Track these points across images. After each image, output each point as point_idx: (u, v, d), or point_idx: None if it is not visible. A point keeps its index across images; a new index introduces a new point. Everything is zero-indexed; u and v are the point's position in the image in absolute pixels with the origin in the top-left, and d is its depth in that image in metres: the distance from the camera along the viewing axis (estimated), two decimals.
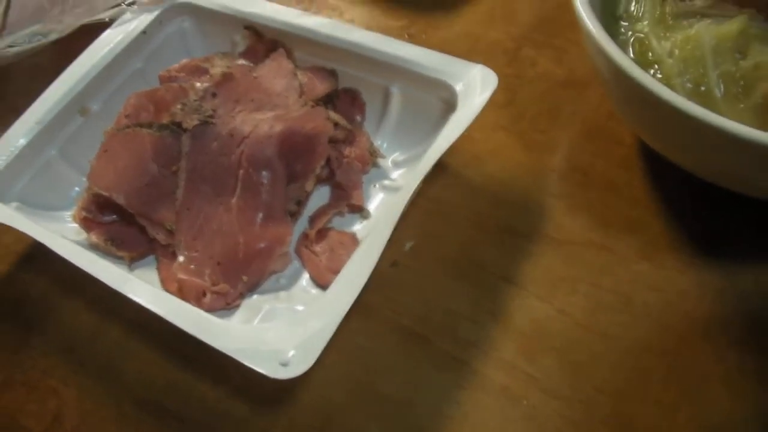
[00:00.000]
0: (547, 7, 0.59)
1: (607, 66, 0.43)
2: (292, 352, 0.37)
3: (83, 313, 0.48)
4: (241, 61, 0.54)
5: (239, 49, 0.55)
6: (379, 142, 0.52)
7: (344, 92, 0.52)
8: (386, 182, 0.50)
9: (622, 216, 0.48)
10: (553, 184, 0.50)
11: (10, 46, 0.57)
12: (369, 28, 0.58)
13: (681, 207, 0.48)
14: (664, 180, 0.49)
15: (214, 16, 0.55)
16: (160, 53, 0.56)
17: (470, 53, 0.56)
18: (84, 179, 0.52)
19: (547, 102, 0.53)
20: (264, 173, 0.47)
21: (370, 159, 0.50)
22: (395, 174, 0.50)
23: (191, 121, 0.48)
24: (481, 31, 0.58)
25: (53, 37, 0.57)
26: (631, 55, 0.46)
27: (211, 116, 0.48)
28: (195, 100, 0.49)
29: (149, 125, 0.49)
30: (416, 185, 0.43)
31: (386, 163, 0.51)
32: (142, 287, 0.42)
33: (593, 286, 0.45)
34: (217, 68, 0.54)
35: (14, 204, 0.49)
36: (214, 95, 0.49)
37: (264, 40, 0.54)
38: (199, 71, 0.54)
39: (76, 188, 0.52)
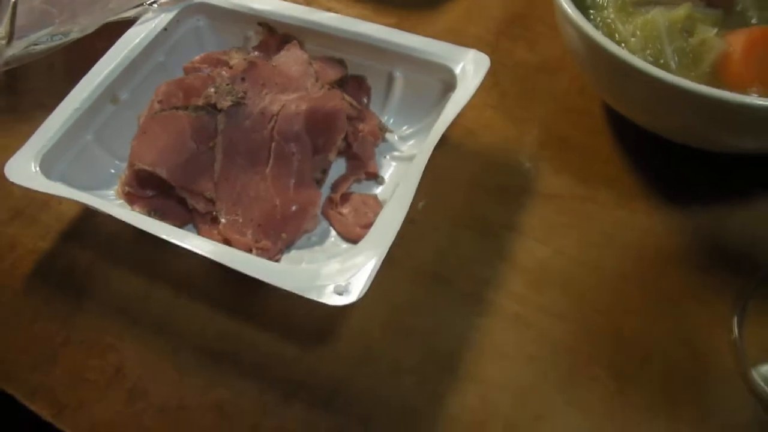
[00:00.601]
0: (516, 4, 0.68)
1: (585, 43, 0.51)
2: (344, 284, 0.44)
3: (131, 277, 0.53)
4: (255, 54, 0.61)
5: (252, 44, 0.62)
6: (386, 119, 0.59)
7: (352, 78, 0.59)
8: (396, 153, 0.57)
9: (599, 173, 0.57)
10: (538, 150, 0.58)
11: (35, 44, 0.62)
12: None
13: (646, 162, 0.57)
14: (630, 140, 0.58)
15: (228, 14, 0.62)
16: (178, 48, 0.62)
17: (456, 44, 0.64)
18: (117, 161, 0.57)
19: (525, 84, 0.62)
20: (293, 145, 0.54)
21: (380, 133, 0.57)
22: (403, 146, 0.58)
23: (225, 102, 0.54)
24: (463, 27, 0.66)
25: (75, 35, 0.62)
26: None
27: (243, 97, 0.54)
28: (227, 84, 0.55)
29: (185, 107, 0.55)
30: (429, 152, 0.50)
31: (393, 137, 0.58)
32: (202, 241, 0.48)
33: (581, 229, 0.54)
34: (235, 59, 0.60)
35: (58, 183, 0.53)
36: (243, 80, 0.55)
37: (276, 35, 0.61)
38: (219, 63, 0.60)
39: (111, 170, 0.57)
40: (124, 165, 0.56)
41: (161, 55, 0.61)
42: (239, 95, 0.54)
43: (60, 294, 0.53)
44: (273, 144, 0.53)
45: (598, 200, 0.55)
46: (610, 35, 0.55)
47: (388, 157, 0.58)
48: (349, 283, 0.44)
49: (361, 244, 0.46)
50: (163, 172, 0.53)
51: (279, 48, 0.60)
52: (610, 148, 0.58)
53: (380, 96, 0.59)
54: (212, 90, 0.55)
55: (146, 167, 0.53)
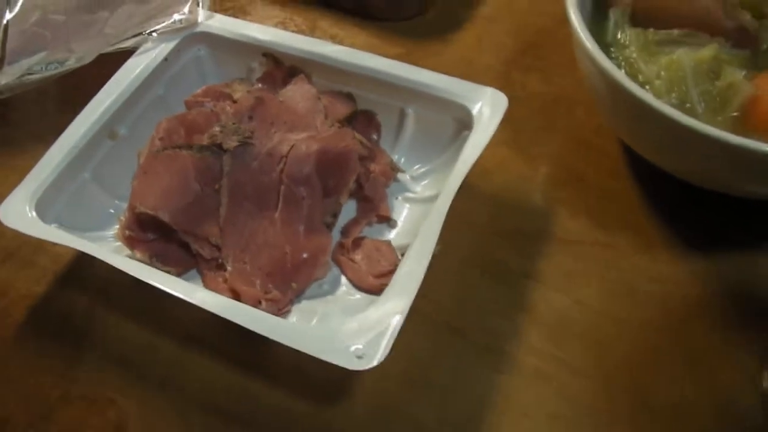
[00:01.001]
0: (528, 33, 0.66)
1: (606, 83, 0.50)
2: (364, 347, 0.42)
3: (133, 326, 0.51)
4: (259, 86, 0.58)
5: (256, 75, 0.59)
6: (397, 157, 0.57)
7: (361, 113, 0.57)
8: (408, 194, 0.55)
9: (618, 216, 0.55)
10: (554, 191, 0.56)
11: (29, 74, 0.59)
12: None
13: (667, 205, 0.55)
14: (650, 182, 0.56)
15: (230, 44, 0.59)
16: (178, 80, 0.59)
17: (467, 77, 0.62)
18: (116, 201, 0.55)
19: (539, 119, 0.60)
20: (303, 189, 0.51)
21: (392, 173, 0.55)
22: (416, 186, 0.56)
23: (231, 142, 0.51)
24: (473, 57, 0.64)
25: (72, 65, 0.59)
26: None
27: (250, 137, 0.52)
28: (233, 123, 0.52)
29: (189, 147, 0.52)
30: (449, 201, 0.48)
31: (405, 177, 0.56)
32: (208, 295, 0.45)
33: (601, 278, 0.52)
34: (238, 93, 0.57)
35: (53, 226, 0.51)
36: (250, 118, 0.53)
37: (282, 67, 0.58)
38: (222, 96, 0.57)
39: (110, 210, 0.54)
40: (124, 205, 0.54)
41: (161, 87, 0.58)
42: (246, 135, 0.52)
43: (57, 344, 0.50)
44: (282, 187, 0.51)
45: (618, 246, 0.53)
46: (633, 75, 0.53)
47: (399, 198, 0.55)
48: (369, 345, 0.42)
49: (381, 300, 0.44)
50: (165, 216, 0.50)
51: (285, 80, 0.58)
52: (629, 189, 0.56)
53: (391, 133, 0.57)
54: (218, 129, 0.52)
55: (148, 210, 0.50)
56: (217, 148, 0.52)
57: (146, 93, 0.57)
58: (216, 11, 0.67)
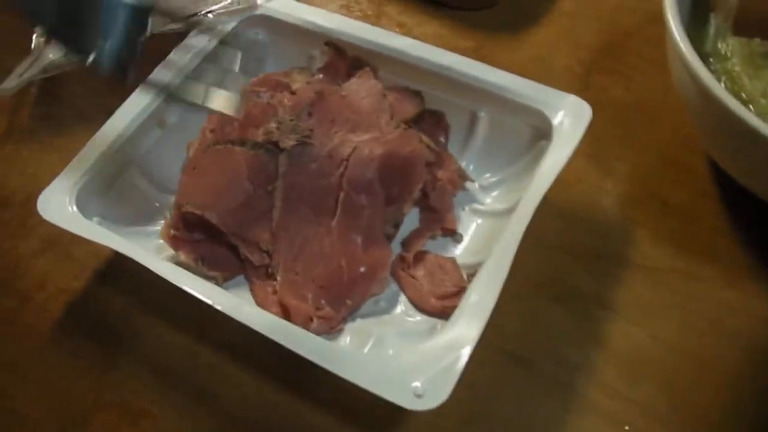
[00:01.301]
0: (612, 32, 0.60)
1: (703, 97, 0.44)
2: (425, 384, 0.38)
3: (172, 331, 0.48)
4: (320, 77, 0.54)
5: (317, 64, 0.55)
6: (465, 164, 0.52)
7: (429, 113, 0.53)
8: (476, 206, 0.51)
9: (704, 243, 0.50)
10: (634, 211, 0.51)
11: None
12: (439, 45, 0.59)
13: (760, 234, 0.50)
14: (741, 207, 0.51)
15: (291, 29, 0.55)
16: (235, 65, 0.55)
17: (542, 77, 0.56)
18: (163, 194, 0.51)
19: (621, 128, 0.55)
20: (364, 197, 0.47)
21: (460, 182, 0.51)
22: (485, 197, 0.51)
23: (289, 141, 0.47)
24: (550, 55, 0.59)
25: None
26: None
27: (309, 136, 0.48)
28: (291, 120, 0.48)
29: (242, 143, 0.48)
30: (527, 221, 0.43)
31: (473, 185, 0.52)
32: (255, 312, 0.42)
33: (682, 311, 0.47)
34: (297, 83, 0.53)
35: (95, 219, 0.47)
36: (309, 114, 0.49)
37: (345, 57, 0.54)
38: (280, 86, 0.53)
39: (156, 203, 0.51)
40: (171, 199, 0.50)
41: (217, 70, 0.54)
42: (305, 133, 0.48)
43: (92, 345, 0.48)
44: (341, 193, 0.47)
45: (702, 277, 0.49)
46: (734, 92, 0.48)
47: (467, 209, 0.51)
48: (431, 382, 0.38)
49: (446, 329, 0.40)
50: (213, 217, 0.46)
51: (348, 72, 0.54)
52: (717, 213, 0.51)
53: (460, 137, 0.53)
54: (274, 125, 0.48)
55: (195, 210, 0.46)
56: (273, 146, 0.48)
57: (199, 78, 0.53)
58: None
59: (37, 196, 0.46)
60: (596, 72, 0.58)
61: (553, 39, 0.60)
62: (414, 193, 0.48)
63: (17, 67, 0.58)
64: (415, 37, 0.58)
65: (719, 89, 0.44)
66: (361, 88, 0.51)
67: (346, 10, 0.63)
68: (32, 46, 0.61)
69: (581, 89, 0.57)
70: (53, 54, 0.58)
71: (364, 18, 0.62)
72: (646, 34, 0.60)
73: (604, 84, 0.57)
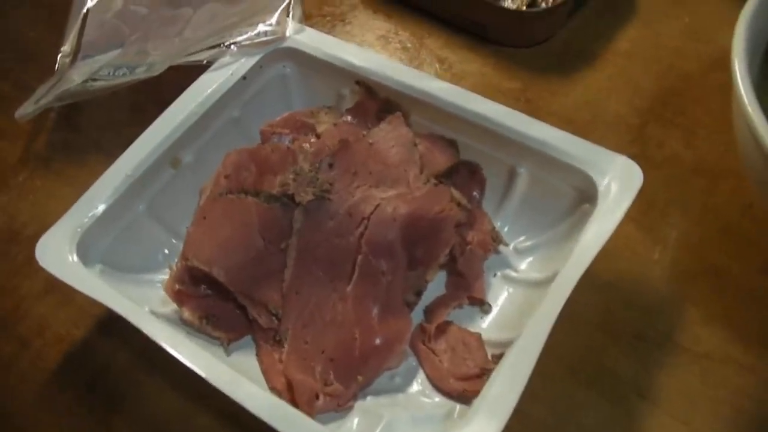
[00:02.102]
0: (671, 77, 0.55)
1: None
2: None
3: (171, 393, 0.44)
4: (348, 118, 0.50)
5: (347, 104, 0.51)
6: (500, 224, 0.48)
7: (463, 165, 0.48)
8: (509, 272, 0.46)
9: (764, 330, 0.44)
10: (686, 285, 0.46)
11: (93, 80, 0.52)
12: (481, 87, 0.55)
13: None
14: None
15: (320, 65, 0.51)
16: (257, 100, 0.51)
17: (592, 126, 0.52)
18: (173, 239, 0.48)
19: (677, 191, 0.50)
20: (384, 261, 0.43)
21: (492, 245, 0.46)
22: (519, 263, 0.46)
23: (306, 195, 0.44)
24: (602, 101, 0.54)
25: (142, 74, 0.52)
26: None
27: (328, 190, 0.44)
28: (310, 171, 0.44)
29: (256, 193, 0.45)
30: (567, 295, 0.39)
31: (507, 249, 0.47)
32: (252, 392, 0.38)
33: (733, 408, 0.42)
34: (323, 125, 0.49)
35: (98, 267, 0.44)
36: (330, 166, 0.45)
37: (376, 98, 0.50)
38: (304, 127, 0.50)
39: (165, 250, 0.48)
40: (181, 244, 0.47)
41: (236, 108, 0.51)
42: (324, 187, 0.44)
43: (89, 401, 0.45)
44: (359, 256, 0.43)
45: (759, 371, 0.43)
46: None
47: (498, 275, 0.46)
48: None
49: (464, 421, 0.36)
50: (221, 274, 0.43)
51: (378, 115, 0.49)
52: None
53: (496, 193, 0.48)
54: (291, 176, 0.44)
55: (202, 266, 0.43)
56: (289, 200, 0.44)
57: (219, 115, 0.50)
58: (312, 16, 0.60)
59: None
60: (652, 123, 0.52)
61: (606, 82, 0.55)
62: (440, 258, 0.44)
63: (38, 90, 0.56)
64: (456, 75, 0.54)
65: None
66: (390, 136, 0.47)
67: (385, 41, 0.59)
68: (56, 67, 0.59)
69: (634, 142, 0.51)
70: (77, 76, 0.55)
71: (403, 50, 0.58)
72: (708, 81, 0.54)
73: (660, 137, 0.52)
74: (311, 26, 0.56)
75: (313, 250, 0.44)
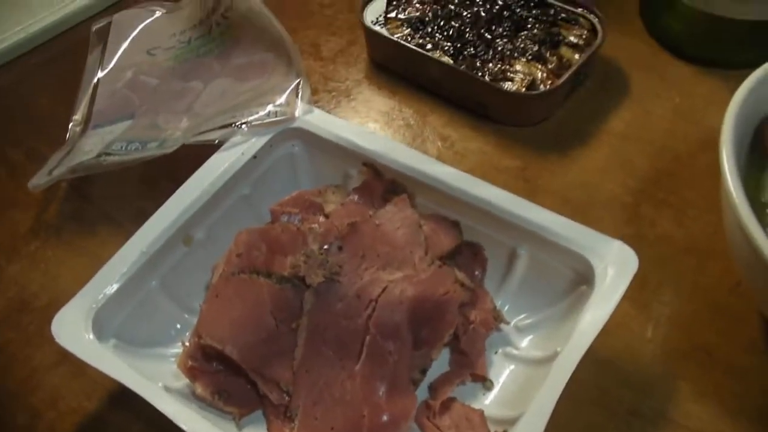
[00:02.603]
0: (664, 159, 0.57)
1: (760, 266, 0.41)
2: None
3: None
4: (355, 198, 0.52)
5: (353, 183, 0.53)
6: (500, 303, 0.50)
7: (466, 245, 0.50)
8: (509, 350, 0.48)
9: (753, 406, 0.46)
10: (678, 363, 0.48)
11: (107, 154, 0.54)
12: (482, 166, 0.57)
13: None
14: None
15: (328, 145, 0.53)
16: (267, 179, 0.53)
17: (588, 206, 0.54)
18: (185, 315, 0.50)
19: (669, 270, 0.52)
20: (391, 342, 0.45)
21: (494, 323, 0.48)
22: (519, 340, 0.48)
23: (316, 278, 0.45)
24: (598, 181, 0.56)
25: (154, 151, 0.53)
26: None
27: (338, 273, 0.46)
28: (320, 253, 0.46)
29: (268, 274, 0.46)
30: (567, 378, 0.41)
31: (508, 327, 0.49)
32: None
33: None
34: (331, 204, 0.51)
35: (112, 342, 0.46)
36: (340, 249, 0.47)
37: (382, 179, 0.52)
38: (312, 206, 0.51)
39: (177, 324, 0.49)
40: (193, 320, 0.48)
41: (247, 186, 0.53)
42: (334, 270, 0.46)
43: None
44: (367, 337, 0.45)
45: None
46: None
47: (499, 352, 0.48)
48: None
49: None
50: (233, 353, 0.44)
51: (384, 196, 0.51)
52: (765, 371, 0.48)
53: (498, 273, 0.50)
54: (302, 259, 0.46)
55: (215, 345, 0.45)
56: (299, 281, 0.46)
57: (230, 193, 0.52)
58: (318, 92, 0.62)
59: (58, 302, 0.45)
60: (645, 203, 0.55)
61: (602, 162, 0.57)
62: (444, 338, 0.46)
63: (50, 159, 0.57)
64: (458, 153, 0.56)
65: None
66: (396, 217, 0.49)
67: (389, 117, 0.61)
68: (67, 135, 0.60)
69: (629, 222, 0.54)
70: (88, 146, 0.57)
71: (407, 127, 0.60)
72: (699, 162, 0.57)
73: (653, 217, 0.54)
74: (317, 101, 0.58)
75: (322, 330, 0.45)
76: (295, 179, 0.54)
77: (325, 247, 0.47)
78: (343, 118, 0.60)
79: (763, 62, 0.50)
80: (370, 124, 0.60)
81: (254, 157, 0.52)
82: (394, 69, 0.64)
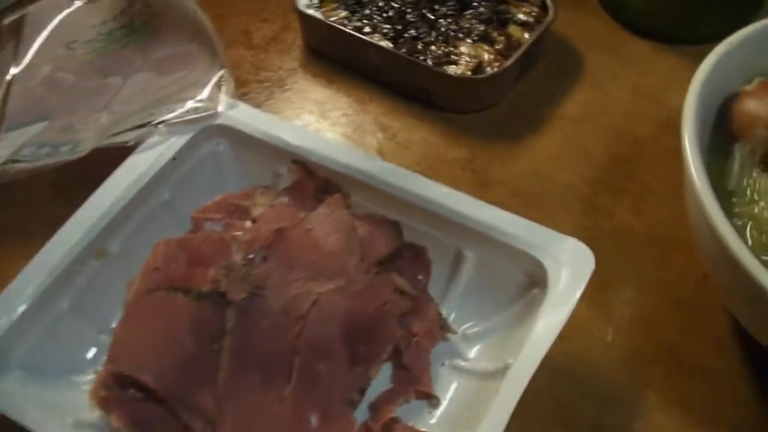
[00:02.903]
0: (622, 143, 0.53)
1: (722, 255, 0.38)
2: None
3: None
4: (285, 199, 0.47)
5: (283, 183, 0.48)
6: (446, 311, 0.45)
7: (408, 247, 0.46)
8: (457, 362, 0.44)
9: (723, 414, 0.43)
10: (642, 368, 0.44)
11: (14, 161, 0.49)
12: (426, 157, 0.53)
13: None
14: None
15: (255, 142, 0.48)
16: (189, 181, 0.49)
17: (541, 197, 0.50)
18: (101, 336, 0.45)
19: (629, 264, 0.48)
20: (323, 364, 0.41)
21: (440, 334, 0.44)
22: (467, 351, 0.44)
23: (238, 293, 0.41)
24: (552, 171, 0.52)
25: (66, 155, 0.49)
26: (749, 242, 0.41)
27: (261, 287, 0.41)
28: (243, 265, 0.42)
29: (186, 291, 0.42)
30: (516, 401, 0.37)
31: (455, 336, 0.45)
32: None
33: None
34: (259, 208, 0.47)
35: (16, 373, 0.41)
36: (264, 259, 0.42)
37: (314, 178, 0.47)
38: (238, 211, 0.47)
39: (93, 348, 0.45)
40: (109, 340, 0.44)
41: (167, 191, 0.48)
42: (257, 284, 0.41)
43: None
44: (297, 358, 0.40)
45: None
46: (762, 244, 0.41)
47: (446, 364, 0.44)
48: None
49: None
50: (149, 380, 0.40)
51: (317, 196, 0.47)
52: (740, 376, 0.44)
53: (443, 277, 0.46)
54: (222, 272, 0.42)
55: (128, 372, 0.40)
56: (220, 298, 0.41)
57: (147, 199, 0.47)
58: (249, 82, 0.57)
59: None
60: (603, 192, 0.51)
61: (555, 150, 0.53)
62: (383, 355, 0.42)
63: None
64: (401, 144, 0.52)
65: (742, 250, 0.37)
66: (328, 221, 0.45)
67: (325, 108, 0.56)
68: None
69: (586, 213, 0.50)
70: (1, 150, 0.52)
71: (345, 118, 0.56)
72: (659, 145, 0.53)
73: (612, 208, 0.50)
74: (248, 94, 0.53)
75: (247, 351, 0.41)
76: (221, 181, 0.50)
77: (250, 256, 0.42)
78: (276, 110, 0.56)
79: (726, 35, 0.46)
80: (304, 115, 0.56)
81: (174, 158, 0.47)
82: (331, 55, 0.59)
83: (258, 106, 0.55)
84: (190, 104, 0.49)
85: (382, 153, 0.51)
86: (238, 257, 0.43)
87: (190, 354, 0.41)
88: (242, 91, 0.56)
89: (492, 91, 0.55)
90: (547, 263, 0.42)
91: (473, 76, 0.53)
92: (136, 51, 0.57)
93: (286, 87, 0.57)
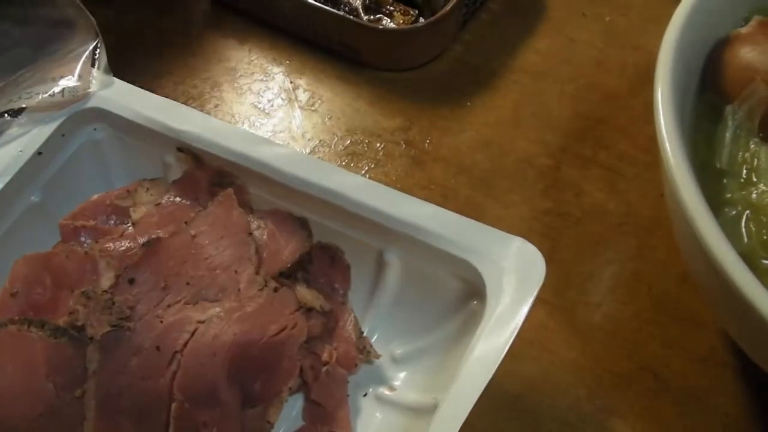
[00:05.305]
0: (592, 100, 0.43)
1: (716, 276, 0.29)
2: None
3: None
4: (173, 196, 0.39)
5: (173, 176, 0.40)
6: (369, 328, 0.37)
7: (321, 249, 0.38)
8: (381, 391, 0.36)
9: None
10: (614, 393, 0.36)
11: None
12: (353, 127, 0.44)
13: None
14: (762, 384, 0.35)
15: (135, 128, 0.40)
16: (63, 178, 0.40)
17: (492, 174, 0.41)
18: None
19: (599, 256, 0.39)
20: (205, 412, 0.33)
21: (360, 359, 0.36)
22: (393, 377, 0.36)
23: (99, 327, 0.33)
24: (506, 140, 0.42)
25: None
26: (745, 239, 0.32)
27: (128, 318, 0.33)
28: (104, 291, 0.34)
29: (41, 324, 0.34)
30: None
31: (380, 359, 0.37)
32: None
33: None
34: (141, 208, 0.39)
35: None
36: (131, 281, 0.34)
37: (205, 168, 0.39)
38: (116, 213, 0.39)
39: None
40: None
41: (36, 191, 0.40)
42: (122, 314, 0.33)
43: None
44: (173, 405, 0.33)
45: None
46: (763, 242, 0.32)
47: (369, 394, 0.36)
48: None
49: None
50: None
51: (210, 189, 0.39)
52: (733, 397, 0.36)
53: (364, 285, 0.38)
54: (81, 301, 0.34)
55: None
56: (79, 334, 0.33)
57: (10, 203, 0.39)
58: (148, 48, 0.48)
59: None
60: (569, 164, 0.42)
61: (510, 112, 0.44)
62: (283, 393, 0.34)
63: None
64: (324, 115, 0.43)
65: (729, 257, 0.28)
66: (218, 223, 0.36)
67: (235, 73, 0.47)
68: None
69: (547, 192, 0.41)
70: None
71: (259, 84, 0.46)
72: (638, 101, 0.43)
73: (580, 184, 0.41)
74: (143, 63, 0.45)
75: (116, 396, 0.33)
76: (105, 175, 0.42)
77: (113, 281, 0.34)
78: (178, 79, 0.47)
79: None
80: (210, 83, 0.46)
81: (39, 152, 0.39)
82: (244, 8, 0.49)
83: (159, 76, 0.46)
84: (58, 85, 0.40)
85: (302, 125, 0.42)
86: (107, 277, 0.35)
87: (49, 402, 0.34)
88: (136, 60, 0.47)
89: (431, 41, 0.45)
90: (486, 271, 0.33)
91: (403, 27, 0.44)
92: (13, 23, 0.48)
93: (189, 45, 0.48)
